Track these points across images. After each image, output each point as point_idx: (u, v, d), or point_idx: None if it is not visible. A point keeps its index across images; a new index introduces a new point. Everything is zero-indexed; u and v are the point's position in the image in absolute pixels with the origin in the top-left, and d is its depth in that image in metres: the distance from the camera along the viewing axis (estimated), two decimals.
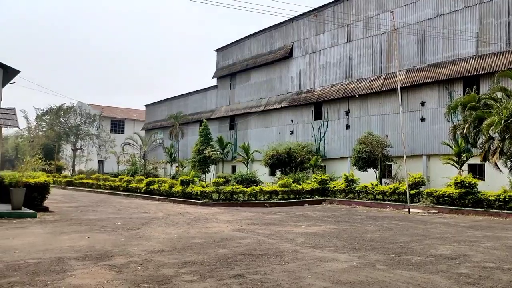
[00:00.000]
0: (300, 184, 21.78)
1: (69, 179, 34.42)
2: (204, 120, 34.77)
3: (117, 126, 57.15)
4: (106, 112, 54.05)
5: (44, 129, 44.91)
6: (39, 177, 16.26)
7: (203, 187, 21.08)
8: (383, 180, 22.56)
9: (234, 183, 22.31)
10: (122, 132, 55.72)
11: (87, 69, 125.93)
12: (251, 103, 35.10)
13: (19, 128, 17.77)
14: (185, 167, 35.47)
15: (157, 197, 22.41)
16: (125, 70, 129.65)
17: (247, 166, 30.38)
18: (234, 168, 34.57)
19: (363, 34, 26.60)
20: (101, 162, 51.65)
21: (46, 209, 15.38)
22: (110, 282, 5.94)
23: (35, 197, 15.28)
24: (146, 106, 51.36)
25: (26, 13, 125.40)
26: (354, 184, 20.68)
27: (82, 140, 47.34)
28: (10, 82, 17.64)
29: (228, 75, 38.04)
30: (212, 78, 40.21)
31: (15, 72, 16.38)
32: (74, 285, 5.81)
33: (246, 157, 30.40)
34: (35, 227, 11.32)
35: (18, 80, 30.23)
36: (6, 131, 46.16)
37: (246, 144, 31.22)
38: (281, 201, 20.05)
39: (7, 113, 15.05)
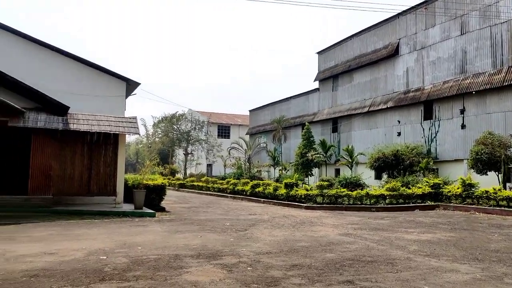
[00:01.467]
0: (409, 188, 20.56)
1: (182, 182, 36.92)
2: (307, 123, 34.74)
3: (224, 131, 59.85)
4: (213, 118, 57.00)
5: (160, 135, 48.85)
6: (157, 179, 17.70)
7: (307, 190, 21.02)
8: (507, 184, 20.27)
9: (339, 186, 21.87)
10: (228, 137, 58.19)
11: (198, 79, 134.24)
12: (354, 104, 34.20)
13: (139, 135, 19.53)
14: (288, 170, 35.81)
15: (262, 199, 22.92)
16: (228, 76, 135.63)
17: (351, 169, 29.62)
18: (337, 171, 33.96)
19: (479, 24, 24.32)
20: (209, 166, 54.53)
21: (163, 209, 16.66)
22: (222, 281, 6.18)
23: (153, 198, 16.65)
24: (250, 111, 52.99)
25: (146, 27, 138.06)
26: (473, 189, 18.88)
27: (193, 145, 50.46)
28: (132, 93, 19.49)
29: (330, 77, 37.58)
30: (314, 81, 40.08)
31: (136, 84, 18.06)
32: (190, 281, 6.16)
33: (350, 160, 29.67)
34: (154, 226, 12.31)
35: (138, 90, 33.21)
36: (128, 138, 51.06)
37: (349, 147, 30.48)
38: (389, 205, 19.12)
39: (130, 122, 16.65)
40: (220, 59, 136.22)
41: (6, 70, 14.66)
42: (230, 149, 41.77)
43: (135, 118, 17.21)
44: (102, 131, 15.53)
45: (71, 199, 15.62)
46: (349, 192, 19.74)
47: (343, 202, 19.39)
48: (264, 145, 44.39)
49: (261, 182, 25.41)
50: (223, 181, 30.26)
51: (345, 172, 28.54)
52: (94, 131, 15.39)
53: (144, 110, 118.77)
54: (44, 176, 14.88)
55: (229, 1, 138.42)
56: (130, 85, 18.07)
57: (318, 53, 39.86)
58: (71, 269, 6.73)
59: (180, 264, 7.26)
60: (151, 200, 16.47)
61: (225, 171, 42.11)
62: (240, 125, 60.84)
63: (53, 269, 6.68)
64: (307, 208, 19.03)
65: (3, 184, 14.47)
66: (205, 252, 8.38)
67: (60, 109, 15.32)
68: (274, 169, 39.64)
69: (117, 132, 15.89)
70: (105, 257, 7.64)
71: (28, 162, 14.84)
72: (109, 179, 16.27)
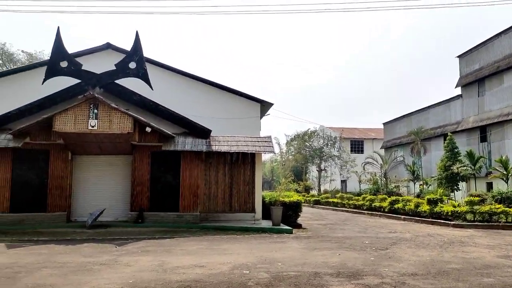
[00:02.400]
0: None
1: (316, 198, 36.92)
2: (449, 134, 31.87)
3: (357, 146, 58.41)
4: (345, 133, 56.12)
5: (293, 153, 49.87)
6: (292, 196, 18.03)
7: (454, 206, 19.17)
8: None
9: (493, 202, 19.48)
10: (362, 151, 56.56)
11: (329, 94, 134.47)
12: (505, 109, 30.34)
13: (274, 153, 20.21)
14: (430, 185, 33.18)
15: (401, 216, 21.61)
16: (363, 90, 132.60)
17: (506, 182, 26.14)
18: (489, 185, 30.27)
19: None
20: (343, 182, 53.59)
21: (299, 226, 16.85)
22: None
23: (290, 215, 16.98)
24: (384, 124, 50.85)
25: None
26: None
27: (326, 162, 50.26)
28: (266, 114, 20.39)
29: (474, 81, 34.06)
30: (456, 87, 36.75)
31: (269, 104, 18.86)
32: None
33: (504, 172, 26.23)
34: (292, 242, 12.50)
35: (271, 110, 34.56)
36: (263, 156, 53.08)
37: (503, 157, 26.99)
38: None
39: (265, 141, 17.38)
40: (357, 71, 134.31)
41: (159, 100, 16.67)
42: (364, 164, 40.48)
43: (269, 137, 17.90)
44: (241, 151, 16.49)
45: (216, 215, 16.81)
46: (506, 209, 17.44)
47: (500, 220, 17.17)
48: (401, 158, 41.96)
49: (400, 198, 24.03)
50: (359, 197, 29.39)
51: (499, 186, 25.28)
52: (233, 151, 16.44)
53: (278, 128, 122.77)
54: (192, 195, 16.34)
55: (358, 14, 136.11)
56: (264, 106, 18.92)
57: (459, 56, 36.55)
58: (218, 281, 7.20)
59: (320, 282, 7.21)
60: (287, 216, 16.81)
61: (360, 187, 40.88)
62: (373, 139, 58.72)
63: (203, 281, 7.23)
64: (455, 226, 17.33)
65: (160, 203, 16.31)
66: (345, 270, 8.18)
67: (204, 133, 16.75)
68: (414, 184, 37.10)
69: (254, 152, 16.71)
70: (248, 272, 8.00)
71: (177, 182, 16.46)
72: (248, 197, 17.12)
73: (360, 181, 40.79)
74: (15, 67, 21.34)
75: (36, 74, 16.55)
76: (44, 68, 15.94)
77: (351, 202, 29.47)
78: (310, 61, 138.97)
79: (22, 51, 38.64)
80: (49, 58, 16.31)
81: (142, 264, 8.83)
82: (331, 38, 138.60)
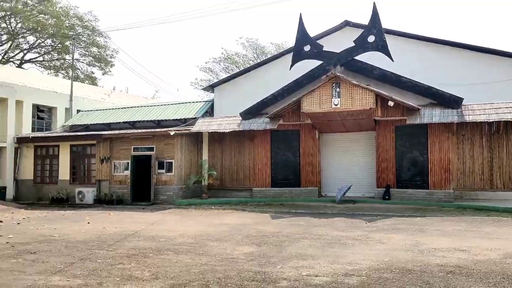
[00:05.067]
0: None
1: None
2: None
3: None
4: None
5: None
6: None
7: None
8: None
9: None
10: None
11: None
12: None
13: None
14: None
15: None
16: None
17: None
18: None
19: None
20: None
21: None
22: None
23: None
24: None
25: None
26: None
27: None
28: None
29: None
30: None
31: None
32: None
33: None
34: None
35: None
36: None
37: None
38: None
39: None
40: None
41: (400, 71, 15.80)
42: None
43: None
44: (503, 120, 14.08)
45: (473, 194, 14.97)
46: None
47: None
48: None
49: None
50: None
51: None
52: (492, 120, 14.19)
53: None
54: (443, 170, 14.94)
55: None
56: None
57: None
58: (488, 270, 6.25)
59: None
60: None
61: None
62: None
63: (469, 268, 6.41)
64: None
65: (407, 179, 15.58)
66: None
67: (454, 102, 15.01)
68: None
69: None
70: None
71: (425, 157, 15.32)
72: None
73: None
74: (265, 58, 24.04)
75: (281, 62, 18.20)
76: (288, 56, 17.32)
77: None
78: None
79: (271, 43, 43.38)
80: (293, 45, 17.56)
81: (395, 242, 8.54)
82: None
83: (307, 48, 16.52)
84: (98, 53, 39.81)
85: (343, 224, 11.21)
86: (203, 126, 18.19)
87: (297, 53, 16.63)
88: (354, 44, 15.95)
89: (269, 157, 17.59)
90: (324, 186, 17.60)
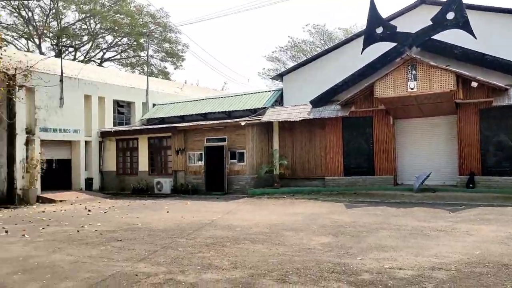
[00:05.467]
0: None
1: None
2: None
3: None
4: None
5: None
6: None
7: None
8: None
9: None
10: None
11: None
12: None
13: None
14: None
15: None
16: None
17: None
18: None
19: None
20: None
21: None
22: None
23: None
24: None
25: None
26: None
27: None
28: None
29: None
30: None
31: None
32: None
33: None
34: None
35: None
36: None
37: None
38: None
39: None
40: None
41: (481, 49, 14.57)
42: None
43: None
44: None
45: None
46: None
47: None
48: None
49: None
50: None
51: None
52: None
53: None
54: None
55: None
56: None
57: None
58: None
59: None
60: None
61: None
62: None
63: None
64: None
65: (494, 166, 14.40)
66: None
67: None
68: None
69: None
70: None
71: None
72: None
73: None
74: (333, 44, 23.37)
75: (351, 47, 17.61)
76: (357, 41, 16.68)
77: None
78: None
79: (339, 28, 42.31)
80: (363, 29, 16.86)
81: (485, 234, 7.92)
82: None
83: (379, 30, 15.75)
84: (170, 48, 41.33)
85: (423, 214, 10.63)
86: (273, 115, 18.16)
87: (369, 36, 15.92)
88: (431, 23, 14.94)
89: (341, 145, 17.17)
90: (400, 174, 16.85)
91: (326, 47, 25.91)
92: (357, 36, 18.02)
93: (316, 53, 23.20)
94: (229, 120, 18.61)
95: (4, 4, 31.14)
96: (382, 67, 15.94)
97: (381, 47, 15.98)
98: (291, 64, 37.29)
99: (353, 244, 7.44)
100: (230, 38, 77.22)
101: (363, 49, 16.04)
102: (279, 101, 20.21)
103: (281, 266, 6.10)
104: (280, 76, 20.88)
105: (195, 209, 13.33)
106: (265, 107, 19.35)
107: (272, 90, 21.47)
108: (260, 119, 18.04)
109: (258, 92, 21.73)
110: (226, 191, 17.61)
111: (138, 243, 8.08)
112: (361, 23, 39.01)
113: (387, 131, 16.46)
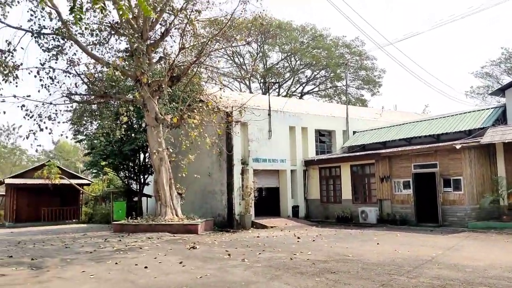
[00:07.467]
0: None
1: None
2: None
3: None
4: None
5: None
6: None
7: None
8: None
9: None
10: None
11: None
12: None
13: None
14: None
15: None
16: None
17: None
18: None
19: None
20: None
21: None
22: None
23: None
24: None
25: None
26: None
27: None
28: None
29: None
30: None
31: None
32: None
33: None
34: None
35: None
36: None
37: None
38: None
39: None
40: None
41: None
42: None
43: None
44: None
45: None
46: None
47: None
48: None
49: None
50: None
51: None
52: None
53: None
54: None
55: None
56: None
57: None
58: None
59: None
60: None
61: None
62: None
63: None
64: None
65: None
66: None
67: None
68: None
69: None
70: None
71: None
72: None
73: None
74: None
75: None
76: None
77: None
78: None
79: None
80: None
81: None
82: None
83: None
84: (366, 76, 40.89)
85: None
86: (496, 136, 15.57)
87: None
88: None
89: None
90: None
91: None
92: None
93: None
94: (440, 144, 16.81)
95: (222, 53, 36.10)
96: None
97: None
98: (506, 78, 32.08)
99: None
100: (426, 57, 72.11)
101: None
102: (500, 119, 17.36)
103: None
104: (501, 91, 18.01)
105: (408, 241, 12.14)
106: (483, 127, 16.86)
107: (492, 108, 18.64)
108: (479, 141, 15.69)
109: (473, 111, 19.16)
110: (441, 223, 15.71)
111: (353, 277, 7.58)
112: None
113: None
